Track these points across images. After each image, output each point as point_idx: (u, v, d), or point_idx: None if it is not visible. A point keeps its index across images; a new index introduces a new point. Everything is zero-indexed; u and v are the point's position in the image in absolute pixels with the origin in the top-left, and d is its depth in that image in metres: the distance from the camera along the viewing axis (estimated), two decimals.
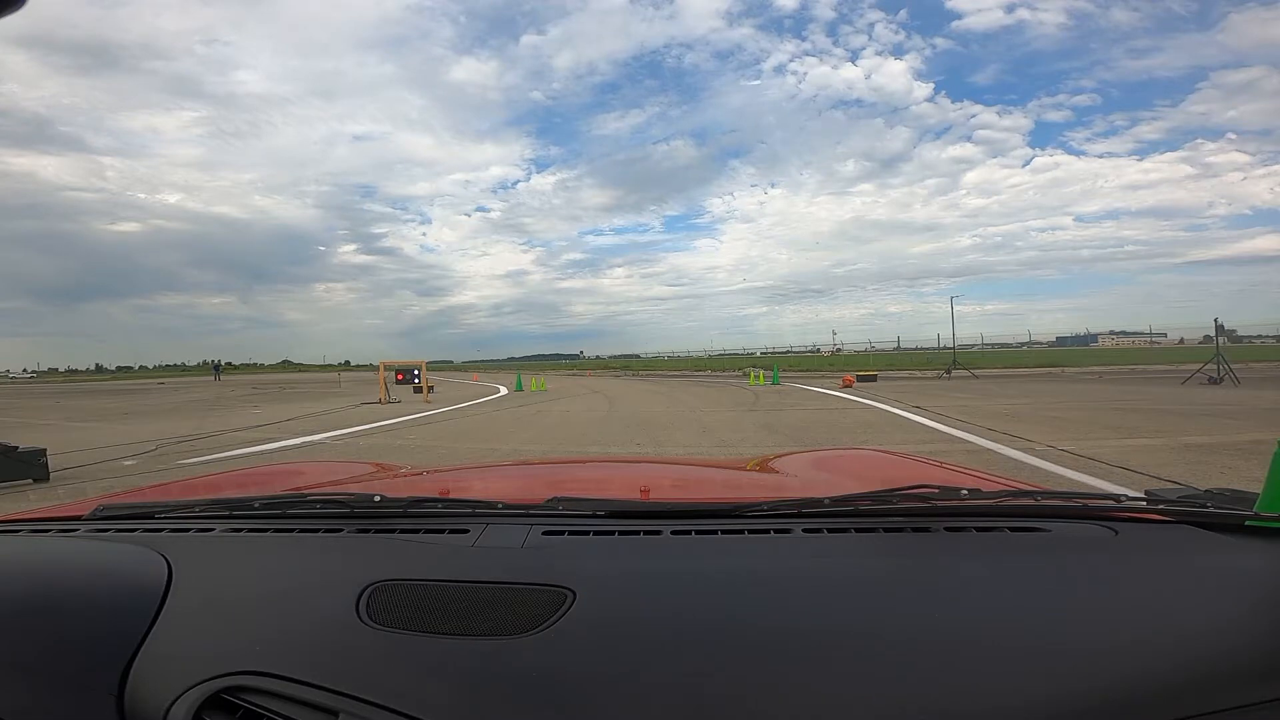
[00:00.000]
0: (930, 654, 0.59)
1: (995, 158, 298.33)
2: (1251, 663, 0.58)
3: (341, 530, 0.91)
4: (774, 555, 0.79)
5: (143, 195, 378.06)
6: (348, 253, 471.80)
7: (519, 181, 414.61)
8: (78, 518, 1.02)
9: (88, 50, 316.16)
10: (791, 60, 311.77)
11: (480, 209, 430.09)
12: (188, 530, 0.95)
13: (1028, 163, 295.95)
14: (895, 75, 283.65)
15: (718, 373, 36.14)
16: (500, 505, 0.92)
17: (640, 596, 0.70)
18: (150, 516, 1.00)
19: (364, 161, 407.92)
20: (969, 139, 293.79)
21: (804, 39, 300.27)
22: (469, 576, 0.74)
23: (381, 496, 0.95)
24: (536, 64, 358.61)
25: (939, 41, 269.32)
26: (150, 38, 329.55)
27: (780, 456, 1.71)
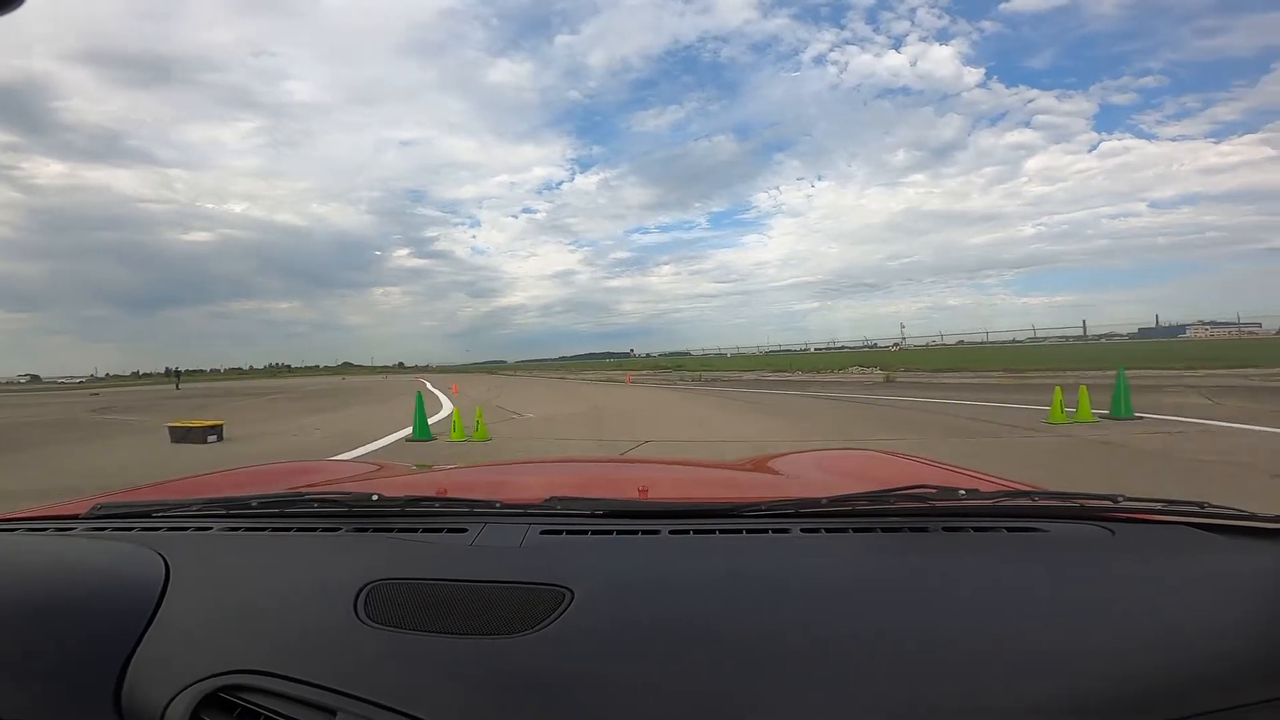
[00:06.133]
0: (927, 654, 0.59)
1: (1058, 143, 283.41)
2: (1248, 663, 0.59)
3: (339, 529, 0.91)
4: (772, 555, 0.78)
5: (211, 205, 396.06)
6: (401, 256, 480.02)
7: (563, 182, 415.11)
8: (75, 516, 1.02)
9: (145, 64, 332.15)
10: (831, 50, 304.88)
11: (526, 210, 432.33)
12: (185, 529, 0.95)
13: (1094, 147, 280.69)
14: (942, 61, 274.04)
15: (824, 375, 24.68)
16: (498, 504, 0.92)
17: (638, 596, 0.70)
18: (147, 515, 1.00)
19: (411, 166, 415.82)
20: (1028, 124, 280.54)
21: (843, 27, 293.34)
22: (467, 576, 0.74)
23: (379, 495, 0.94)
24: (571, 63, 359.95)
25: (986, 25, 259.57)
26: (202, 50, 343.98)
27: (778, 456, 1.69)
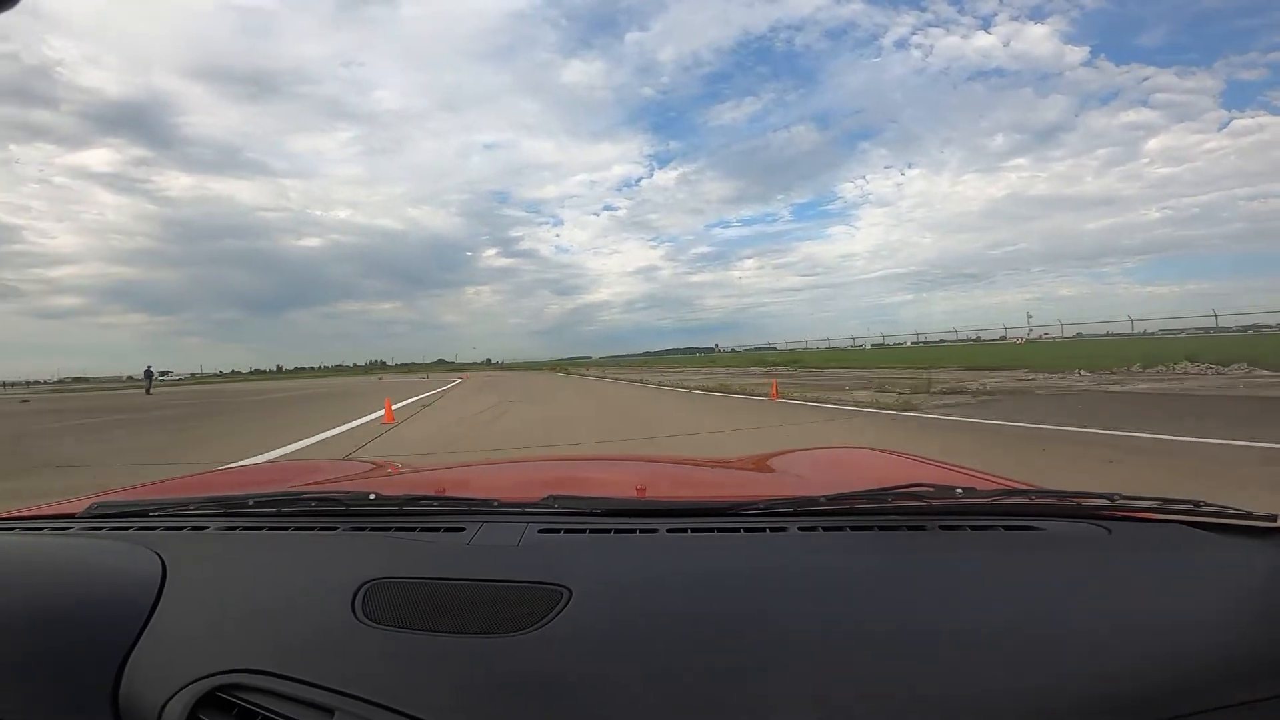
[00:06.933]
0: (924, 651, 0.59)
1: (1181, 122, 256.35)
2: (1243, 662, 0.59)
3: (337, 528, 0.90)
4: (770, 553, 0.79)
5: (319, 212, 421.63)
6: (490, 256, 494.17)
7: (641, 179, 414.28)
8: (71, 516, 1.02)
9: (250, 79, 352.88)
10: (913, 33, 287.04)
11: (607, 208, 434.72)
12: (182, 528, 0.94)
13: (1224, 126, 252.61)
14: (1039, 40, 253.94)
15: (1121, 374, 13.35)
16: (496, 503, 0.92)
17: (636, 595, 0.70)
18: (144, 515, 0.99)
19: (495, 168, 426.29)
20: (1144, 103, 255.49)
21: (924, 9, 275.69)
22: (465, 574, 0.74)
23: (377, 494, 0.94)
24: (642, 60, 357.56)
25: (1086, 2, 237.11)
26: (297, 64, 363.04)
27: (777, 455, 1.68)
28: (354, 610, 0.67)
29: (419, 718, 0.55)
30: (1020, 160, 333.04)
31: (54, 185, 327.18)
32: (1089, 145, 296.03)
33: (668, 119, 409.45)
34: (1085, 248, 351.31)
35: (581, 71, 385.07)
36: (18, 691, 0.62)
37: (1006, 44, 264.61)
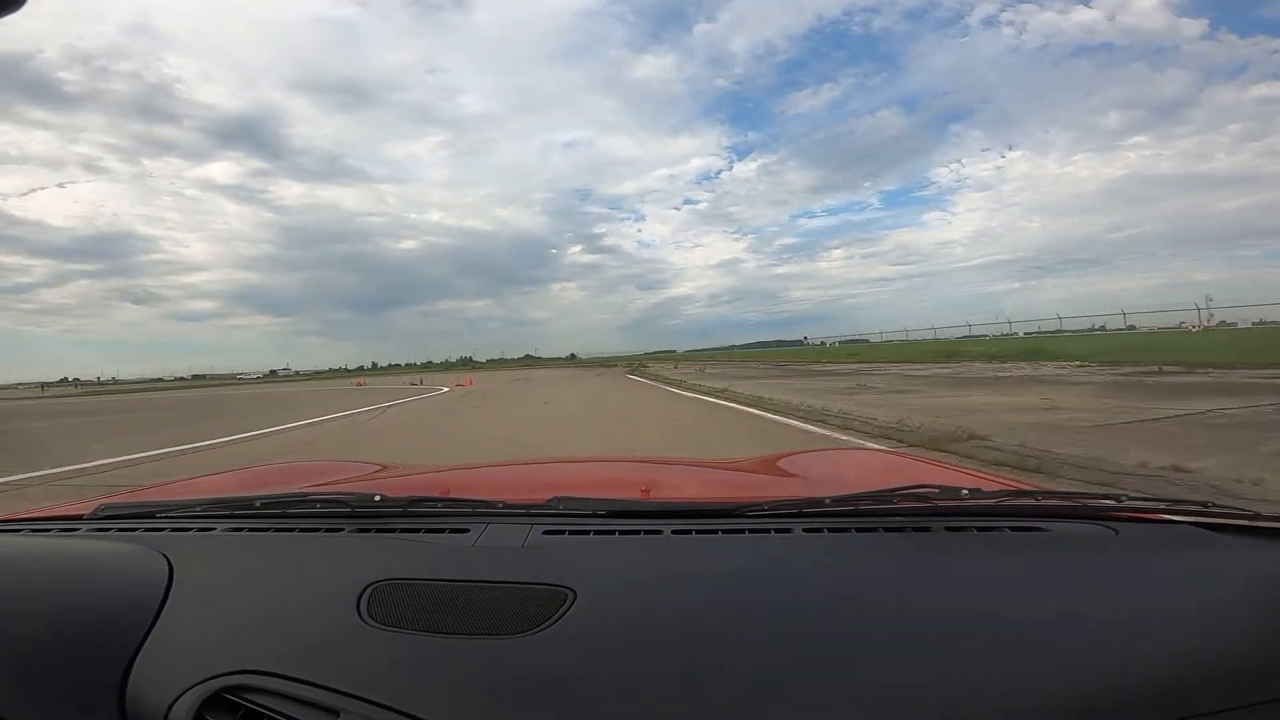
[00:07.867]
0: (930, 653, 0.59)
1: None
2: (1253, 662, 0.59)
3: (342, 529, 0.91)
4: (774, 555, 0.79)
5: (414, 215, 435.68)
6: (575, 253, 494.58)
7: (721, 171, 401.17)
8: (79, 517, 1.03)
9: (345, 89, 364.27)
10: (1003, 10, 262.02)
11: (688, 201, 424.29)
12: (189, 530, 0.95)
13: None
14: (1147, 13, 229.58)
15: None
16: (501, 504, 0.92)
17: (640, 596, 0.70)
18: (151, 516, 1.00)
19: (575, 167, 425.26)
20: (1278, 77, 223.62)
21: None
22: (470, 576, 0.74)
23: (382, 496, 0.95)
24: (713, 51, 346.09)
25: None
26: (385, 72, 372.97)
27: (782, 456, 1.67)
28: (359, 611, 0.68)
29: (423, 718, 0.55)
30: (1139, 138, 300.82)
31: (185, 197, 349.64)
32: (1218, 121, 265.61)
33: (744, 110, 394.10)
34: (1220, 229, 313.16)
35: (653, 66, 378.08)
36: (25, 692, 0.63)
37: (1111, 18, 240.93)
